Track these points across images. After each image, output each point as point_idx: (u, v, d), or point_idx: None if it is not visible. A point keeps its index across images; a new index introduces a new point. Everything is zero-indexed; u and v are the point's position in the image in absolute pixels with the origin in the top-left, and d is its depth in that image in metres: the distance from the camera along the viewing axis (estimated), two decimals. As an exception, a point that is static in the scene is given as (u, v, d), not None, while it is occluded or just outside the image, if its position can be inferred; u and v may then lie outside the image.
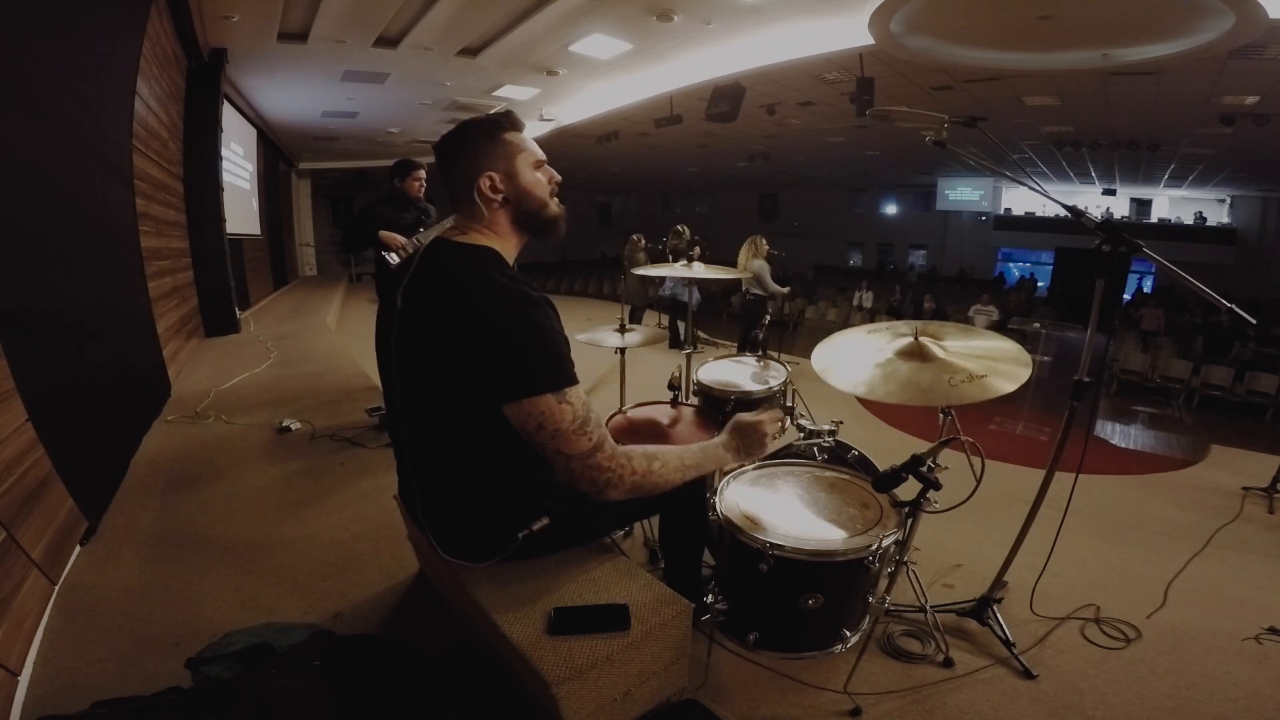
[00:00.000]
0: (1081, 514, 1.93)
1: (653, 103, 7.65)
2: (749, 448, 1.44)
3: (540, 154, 1.32)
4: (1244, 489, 3.33)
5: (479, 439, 1.24)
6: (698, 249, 2.93)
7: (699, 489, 1.56)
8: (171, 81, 5.00)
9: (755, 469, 1.75)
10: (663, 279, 6.67)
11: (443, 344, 1.18)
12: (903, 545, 1.54)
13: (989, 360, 1.58)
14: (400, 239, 3.42)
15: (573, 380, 1.17)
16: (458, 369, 1.17)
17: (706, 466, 1.37)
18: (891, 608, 1.71)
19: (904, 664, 1.64)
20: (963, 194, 15.88)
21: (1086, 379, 1.55)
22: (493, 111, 1.30)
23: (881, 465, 1.88)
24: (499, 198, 1.25)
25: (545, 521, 1.34)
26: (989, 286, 14.76)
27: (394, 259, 3.44)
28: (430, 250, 1.24)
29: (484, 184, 1.23)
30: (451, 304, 1.17)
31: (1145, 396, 8.63)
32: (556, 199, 1.34)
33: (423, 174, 3.58)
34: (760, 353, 2.78)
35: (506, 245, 1.29)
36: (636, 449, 1.26)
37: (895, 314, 11.75)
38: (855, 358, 1.69)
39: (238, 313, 6.15)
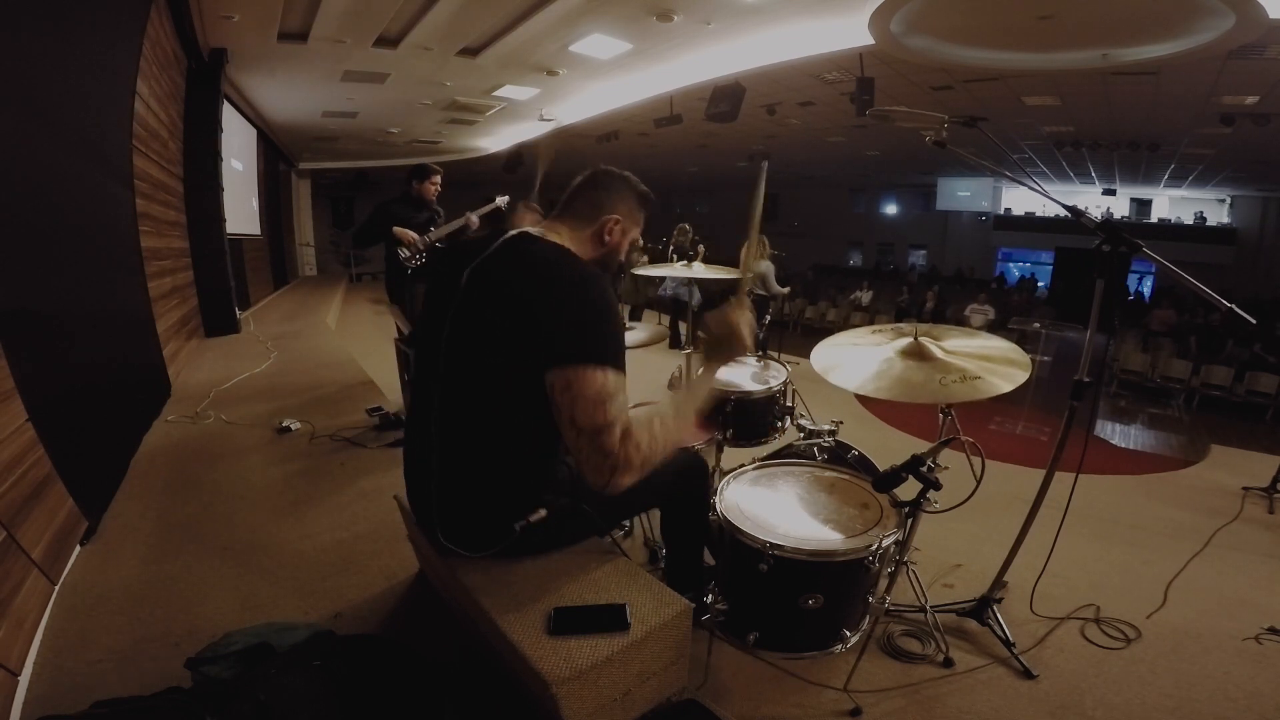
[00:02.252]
0: (1081, 514, 1.93)
1: (653, 103, 7.64)
2: (730, 349, 1.40)
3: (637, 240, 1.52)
4: (1244, 489, 3.33)
5: (508, 414, 1.26)
6: (700, 248, 2.95)
7: (700, 480, 1.57)
8: (171, 81, 5.00)
9: (755, 469, 1.76)
10: (662, 279, 6.66)
11: (506, 310, 1.22)
12: (903, 545, 1.54)
13: (986, 361, 1.58)
14: (413, 235, 3.55)
15: (616, 364, 1.19)
16: (514, 333, 1.20)
17: (701, 397, 1.35)
18: (891, 608, 1.71)
19: (904, 664, 1.64)
20: (963, 194, 15.86)
21: (1086, 379, 1.56)
22: (647, 191, 1.48)
23: (881, 465, 1.88)
24: (606, 236, 1.41)
25: (542, 514, 1.34)
26: (983, 286, 14.75)
27: (404, 253, 3.55)
28: (512, 238, 1.33)
29: (611, 221, 1.40)
30: (525, 274, 1.24)
31: (1146, 396, 8.63)
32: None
33: (438, 179, 3.78)
34: (760, 353, 2.78)
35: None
36: (635, 416, 1.21)
37: (904, 315, 11.74)
38: (853, 356, 1.70)
39: (238, 313, 6.15)
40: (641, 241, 8.15)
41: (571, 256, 1.30)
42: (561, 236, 1.38)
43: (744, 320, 1.38)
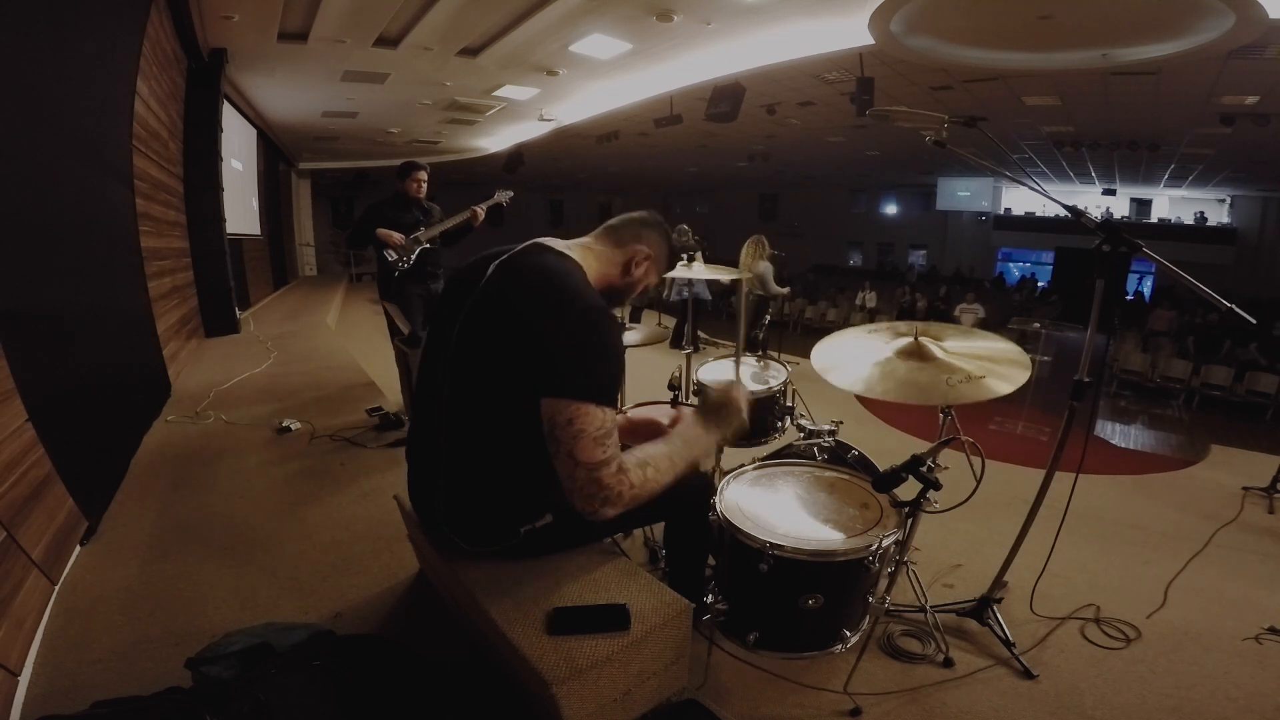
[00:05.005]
0: (1082, 514, 1.93)
1: (653, 103, 7.63)
2: (727, 419, 1.46)
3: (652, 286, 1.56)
4: (1244, 489, 3.33)
5: (515, 421, 1.26)
6: (700, 251, 2.92)
7: (704, 493, 1.56)
8: (171, 81, 5.00)
9: (755, 469, 1.76)
10: (670, 283, 6.63)
11: (514, 326, 1.24)
12: (903, 545, 1.54)
13: (987, 361, 1.58)
14: (398, 236, 3.48)
15: (614, 403, 1.24)
16: (519, 352, 1.22)
17: (694, 453, 1.39)
18: (891, 608, 1.71)
19: (904, 664, 1.64)
20: (963, 194, 15.85)
21: (1086, 379, 1.56)
22: (678, 253, 1.56)
23: (881, 465, 1.88)
24: (634, 268, 1.44)
25: (549, 519, 1.35)
26: (974, 285, 14.72)
27: (391, 255, 3.48)
28: (532, 246, 1.36)
29: (640, 253, 1.44)
30: (536, 295, 1.25)
31: (1145, 396, 8.63)
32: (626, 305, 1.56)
33: (423, 175, 3.61)
34: (760, 353, 2.78)
35: (591, 278, 1.39)
36: (629, 459, 1.26)
37: (905, 316, 11.75)
38: (854, 356, 1.69)
39: (238, 313, 6.15)
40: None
41: (583, 281, 1.31)
42: (587, 254, 1.39)
43: (743, 396, 1.48)
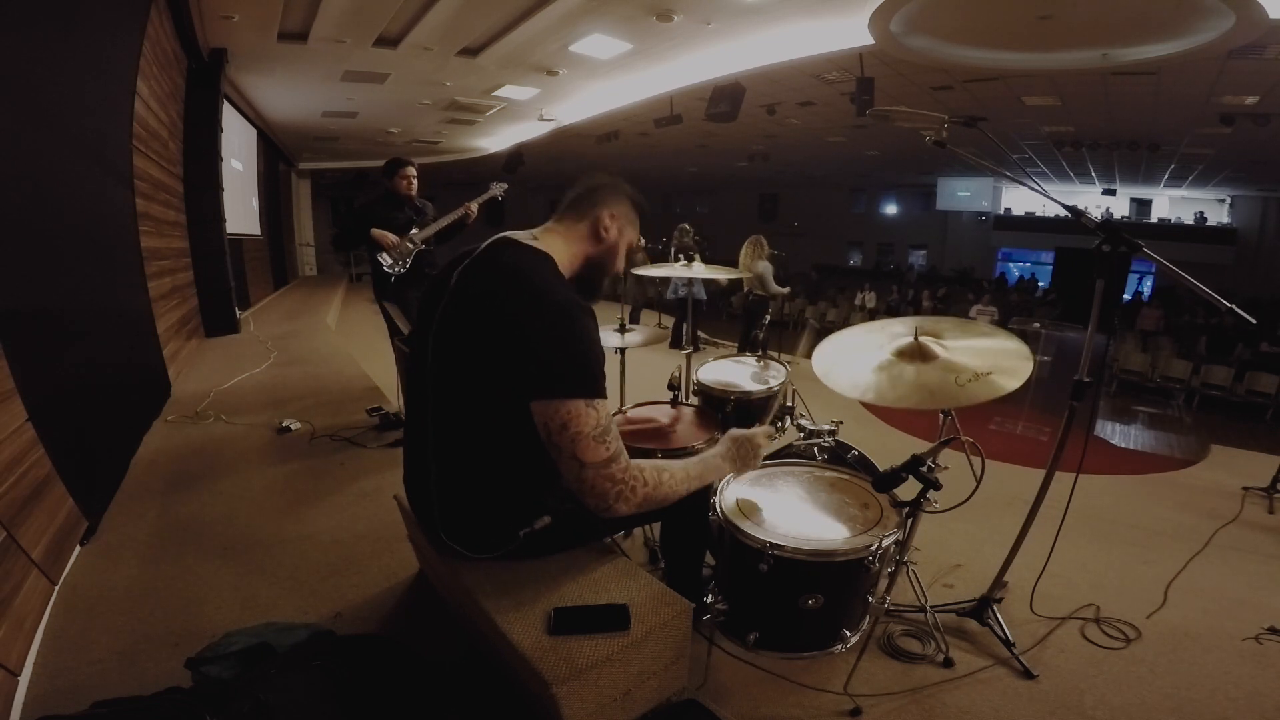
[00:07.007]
0: (1082, 514, 1.93)
1: (653, 103, 7.64)
2: (744, 459, 1.48)
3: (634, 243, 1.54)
4: (1244, 489, 3.32)
5: (502, 427, 1.26)
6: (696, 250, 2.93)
7: (701, 493, 1.56)
8: (171, 81, 5.00)
9: (756, 469, 1.75)
10: (668, 280, 6.64)
11: (489, 330, 1.22)
12: (903, 545, 1.54)
13: (990, 357, 1.58)
14: (392, 237, 3.32)
15: (603, 394, 1.22)
16: (498, 357, 1.21)
17: (708, 478, 1.41)
18: (891, 608, 1.70)
19: (904, 664, 1.64)
20: (963, 194, 15.86)
21: (1086, 379, 1.55)
22: (642, 200, 1.50)
23: (882, 465, 1.88)
24: (603, 232, 1.40)
25: (547, 520, 1.35)
26: (972, 285, 14.70)
27: (386, 259, 3.34)
28: (496, 243, 1.33)
29: (606, 217, 1.40)
30: (507, 296, 1.22)
31: (1145, 396, 8.63)
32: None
33: (412, 171, 3.46)
34: (760, 353, 2.78)
35: (564, 261, 1.37)
36: (645, 462, 1.27)
37: (894, 314, 11.78)
38: (857, 361, 1.69)
39: (238, 313, 6.15)
40: (643, 241, 8.18)
41: (553, 273, 1.29)
42: (553, 238, 1.37)
43: (765, 443, 1.52)
